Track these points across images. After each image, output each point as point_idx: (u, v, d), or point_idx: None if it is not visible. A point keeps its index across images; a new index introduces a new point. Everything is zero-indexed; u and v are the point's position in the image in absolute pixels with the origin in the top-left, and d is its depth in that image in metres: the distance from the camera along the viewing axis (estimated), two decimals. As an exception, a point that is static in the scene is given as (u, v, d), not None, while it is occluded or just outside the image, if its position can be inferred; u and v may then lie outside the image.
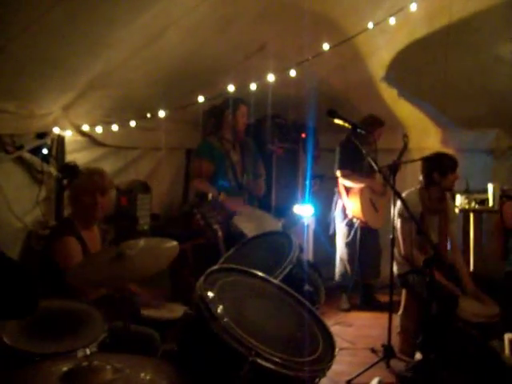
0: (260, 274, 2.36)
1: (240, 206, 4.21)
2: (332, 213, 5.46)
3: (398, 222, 4.07)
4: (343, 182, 5.25)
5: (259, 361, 1.83)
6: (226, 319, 1.88)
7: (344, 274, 5.41)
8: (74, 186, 3.16)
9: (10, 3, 2.55)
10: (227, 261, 2.87)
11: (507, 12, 4.24)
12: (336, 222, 5.43)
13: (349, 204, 5.26)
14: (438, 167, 4.12)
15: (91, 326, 2.50)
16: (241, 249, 3.08)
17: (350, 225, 5.30)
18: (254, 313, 2.08)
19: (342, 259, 5.42)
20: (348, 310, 5.37)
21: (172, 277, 4.39)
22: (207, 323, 1.88)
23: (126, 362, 1.86)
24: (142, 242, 2.86)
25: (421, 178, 4.24)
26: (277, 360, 1.86)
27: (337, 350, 2.12)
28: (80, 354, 2.08)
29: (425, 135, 5.73)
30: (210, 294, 1.99)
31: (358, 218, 5.23)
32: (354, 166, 5.14)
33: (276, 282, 2.38)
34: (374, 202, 5.31)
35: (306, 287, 2.66)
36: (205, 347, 1.95)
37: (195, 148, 4.60)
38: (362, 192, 5.19)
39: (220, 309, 1.92)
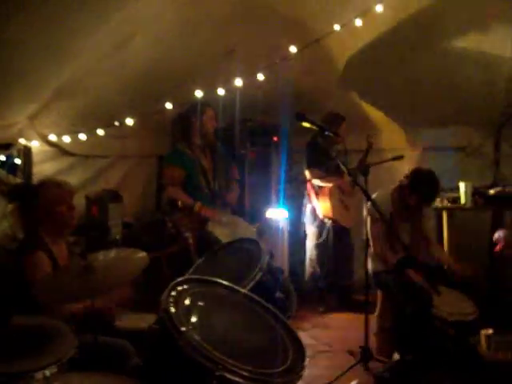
0: (226, 283, 2.31)
1: (217, 215, 4.18)
2: (303, 215, 5.45)
3: (368, 222, 4.07)
4: (313, 181, 5.24)
5: (227, 375, 1.79)
6: (191, 333, 1.84)
7: (314, 276, 5.40)
8: (44, 200, 3.08)
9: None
10: (197, 270, 2.84)
11: (472, 7, 4.26)
12: (306, 224, 5.42)
13: (319, 204, 5.25)
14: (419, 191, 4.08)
15: (60, 342, 2.44)
16: (211, 257, 3.04)
17: (321, 226, 5.28)
18: (220, 325, 2.04)
19: (311, 261, 5.41)
20: (325, 312, 5.36)
21: (146, 286, 4.34)
22: (172, 338, 1.83)
23: (87, 381, 1.81)
24: (109, 254, 2.82)
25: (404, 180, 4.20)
26: (245, 373, 1.82)
27: (307, 359, 2.09)
28: (38, 376, 2.02)
29: (395, 135, 5.73)
30: (175, 307, 1.94)
31: (328, 218, 5.22)
32: (321, 165, 5.14)
33: (243, 290, 2.34)
34: (343, 201, 5.31)
35: (277, 294, 2.64)
36: (171, 362, 1.90)
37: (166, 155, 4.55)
38: (331, 191, 5.18)
39: (185, 322, 1.88)
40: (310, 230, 5.37)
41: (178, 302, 2.00)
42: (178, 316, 1.89)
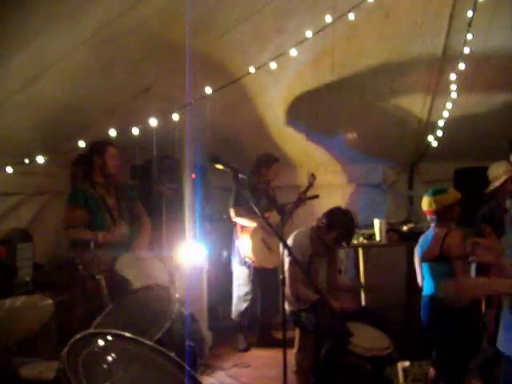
0: (130, 335, 2.23)
1: (119, 231, 4.10)
2: (231, 252, 5.43)
3: (286, 263, 4.08)
4: (236, 220, 5.23)
5: None
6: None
7: (241, 313, 5.37)
8: None
9: None
10: (105, 318, 2.74)
11: (385, 51, 4.46)
12: (233, 261, 5.40)
13: (241, 244, 5.25)
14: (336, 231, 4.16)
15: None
16: (120, 304, 2.95)
17: (245, 263, 5.28)
18: (125, 381, 1.96)
19: (238, 298, 5.38)
20: (245, 350, 5.33)
21: (59, 330, 4.14)
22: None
23: None
24: (15, 301, 2.69)
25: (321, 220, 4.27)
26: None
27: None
28: None
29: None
30: (74, 365, 1.85)
31: (249, 258, 5.22)
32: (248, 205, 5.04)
33: (148, 343, 2.26)
34: (267, 241, 5.26)
35: (188, 342, 2.58)
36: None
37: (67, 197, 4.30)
38: (253, 232, 5.16)
39: (84, 382, 1.79)
40: (236, 267, 5.36)
41: (77, 358, 1.90)
42: (77, 375, 1.80)
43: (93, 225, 4.11)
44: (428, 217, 3.90)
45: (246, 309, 5.33)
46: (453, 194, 3.85)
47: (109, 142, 4.11)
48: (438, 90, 4.89)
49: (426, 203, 3.87)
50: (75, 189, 4.23)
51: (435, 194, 3.83)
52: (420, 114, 5.24)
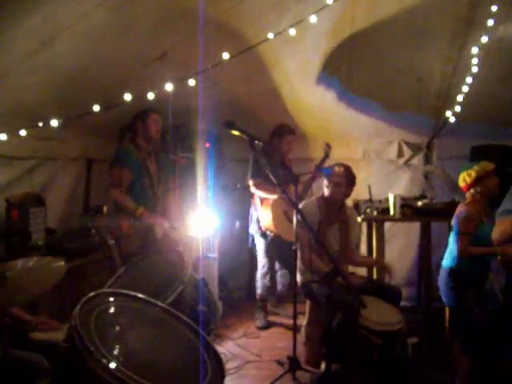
0: (143, 296, 2.22)
1: (157, 221, 4.15)
2: (250, 224, 5.35)
3: (297, 230, 4.04)
4: (255, 191, 5.12)
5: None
6: (103, 353, 1.73)
7: (259, 285, 5.31)
8: None
9: None
10: (117, 280, 2.73)
11: (405, 23, 4.35)
12: (253, 233, 5.31)
13: (261, 215, 5.14)
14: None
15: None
16: (132, 268, 2.94)
17: (265, 236, 5.19)
18: (135, 342, 1.94)
19: (258, 270, 5.32)
20: (262, 329, 5.22)
21: (70, 294, 4.17)
22: (82, 358, 1.72)
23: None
24: (28, 262, 2.69)
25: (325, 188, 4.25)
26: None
27: (226, 378, 2.03)
28: None
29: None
30: (87, 324, 1.83)
31: (270, 231, 5.11)
32: (267, 176, 4.83)
33: (161, 304, 2.25)
34: (288, 213, 5.09)
35: (200, 307, 2.57)
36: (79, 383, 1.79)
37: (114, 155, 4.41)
38: (273, 204, 5.02)
39: (97, 341, 1.77)
40: (257, 240, 5.28)
41: (90, 317, 1.89)
42: (90, 333, 1.79)
43: (133, 187, 4.22)
44: (467, 192, 3.93)
45: (264, 281, 5.27)
46: (487, 163, 3.88)
47: (152, 108, 4.29)
48: (458, 64, 4.77)
49: (462, 177, 3.93)
50: (121, 149, 4.37)
51: (470, 166, 3.90)
52: (439, 88, 5.13)
